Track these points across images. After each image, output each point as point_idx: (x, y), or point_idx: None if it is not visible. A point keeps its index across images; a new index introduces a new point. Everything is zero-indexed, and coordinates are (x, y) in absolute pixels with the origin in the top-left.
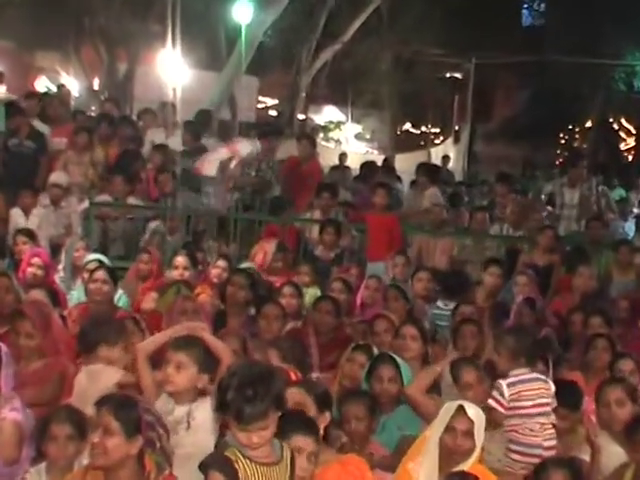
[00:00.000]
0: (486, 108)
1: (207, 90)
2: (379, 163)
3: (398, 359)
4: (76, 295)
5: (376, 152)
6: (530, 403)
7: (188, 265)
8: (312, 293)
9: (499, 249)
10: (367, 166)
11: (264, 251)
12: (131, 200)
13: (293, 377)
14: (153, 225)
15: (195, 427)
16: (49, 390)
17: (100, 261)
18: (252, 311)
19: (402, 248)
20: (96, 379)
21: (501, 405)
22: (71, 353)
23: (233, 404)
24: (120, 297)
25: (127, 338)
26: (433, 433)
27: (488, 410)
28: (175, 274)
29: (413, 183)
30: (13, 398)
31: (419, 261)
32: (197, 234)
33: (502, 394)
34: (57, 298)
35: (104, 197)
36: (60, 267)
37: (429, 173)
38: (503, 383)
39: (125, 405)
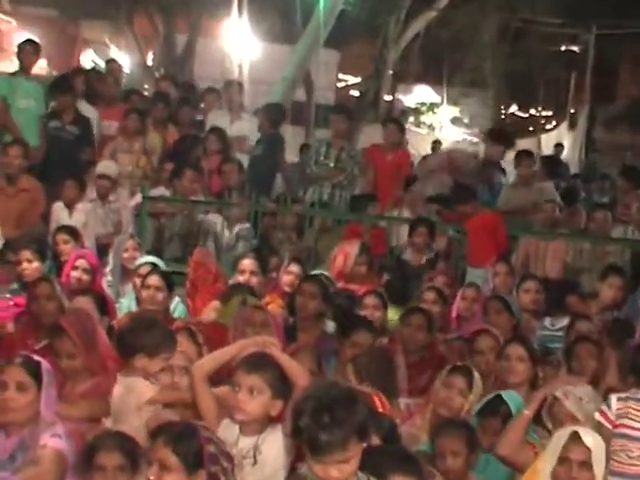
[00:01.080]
0: (608, 87)
1: (279, 66)
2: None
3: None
4: (126, 303)
5: (476, 139)
6: (637, 425)
7: (256, 270)
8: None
9: (622, 255)
10: None
11: (345, 254)
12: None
13: (378, 403)
14: (238, 228)
15: (263, 462)
16: (99, 409)
17: (154, 264)
18: (328, 325)
19: (506, 253)
20: (129, 394)
21: (607, 419)
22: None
23: (307, 431)
24: (177, 306)
25: (172, 350)
26: (545, 466)
27: (597, 427)
28: (241, 280)
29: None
30: (55, 423)
31: (526, 268)
32: (266, 234)
33: (609, 406)
34: (105, 306)
35: (159, 190)
36: (107, 270)
37: (545, 164)
38: (613, 396)
39: (184, 435)
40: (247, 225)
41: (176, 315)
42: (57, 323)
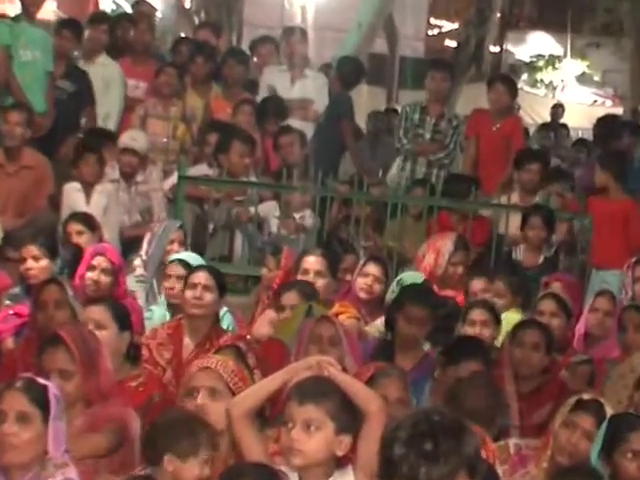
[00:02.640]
0: None
1: (352, 10)
2: (619, 118)
3: None
4: (159, 312)
5: (610, 102)
6: None
7: (324, 270)
8: (510, 318)
9: None
10: (602, 124)
11: (436, 251)
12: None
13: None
14: (298, 217)
15: None
16: (98, 445)
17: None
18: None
19: None
20: None
21: None
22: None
23: (403, 463)
24: (223, 316)
25: (213, 446)
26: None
27: None
28: None
29: None
30: (66, 465)
31: None
32: (336, 225)
33: None
34: (127, 318)
35: (201, 169)
36: (137, 262)
37: None
38: None
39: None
40: (309, 213)
41: (224, 326)
42: (53, 332)
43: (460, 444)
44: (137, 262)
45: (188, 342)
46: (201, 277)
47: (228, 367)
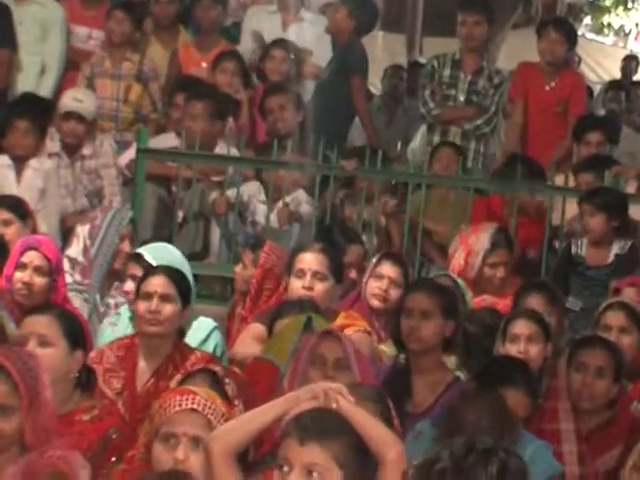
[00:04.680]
0: None
1: None
2: None
3: None
4: (117, 327)
5: None
6: None
7: (324, 271)
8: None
9: None
10: None
11: (467, 248)
12: (218, 147)
13: None
14: (290, 199)
15: None
16: None
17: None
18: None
19: None
20: None
21: None
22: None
23: None
24: (211, 334)
25: None
26: None
27: None
28: (299, 287)
29: None
30: None
31: None
32: (340, 212)
33: None
34: (79, 333)
35: (166, 139)
36: (69, 266)
37: None
38: None
39: None
40: (305, 197)
41: (209, 349)
42: None
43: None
44: (69, 266)
45: (144, 367)
46: (157, 284)
47: (218, 410)
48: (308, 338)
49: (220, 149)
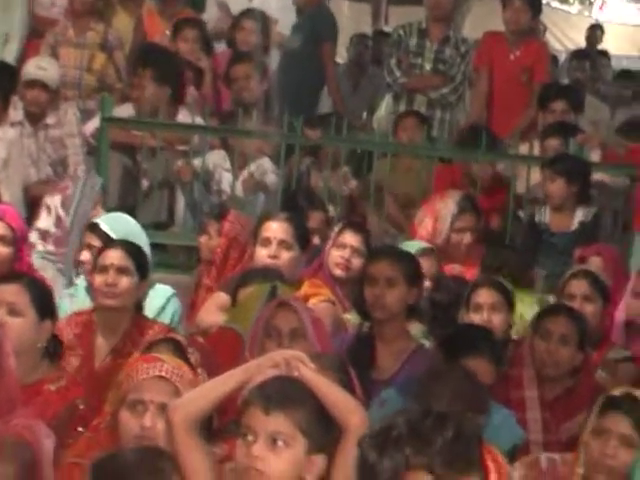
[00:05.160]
0: None
1: None
2: None
3: None
4: (77, 298)
5: None
6: None
7: (289, 239)
8: (530, 304)
9: None
10: None
11: (434, 215)
12: (181, 115)
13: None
14: (254, 168)
15: None
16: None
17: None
18: (415, 331)
19: None
20: None
21: None
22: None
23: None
24: (168, 302)
25: None
26: None
27: None
28: (262, 256)
29: None
30: None
31: None
32: (305, 181)
33: None
34: (48, 302)
35: (130, 108)
36: (36, 235)
37: None
38: None
39: None
40: (271, 167)
41: (166, 317)
42: None
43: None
44: (33, 236)
45: (101, 344)
46: (114, 257)
47: (185, 377)
48: (265, 309)
49: (183, 117)
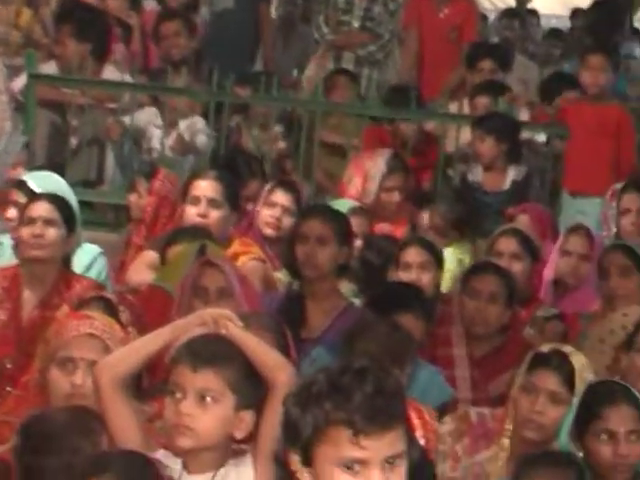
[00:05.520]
0: None
1: None
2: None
3: None
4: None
5: None
6: None
7: (218, 197)
8: (457, 260)
9: None
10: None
11: (363, 174)
12: (109, 72)
13: (414, 417)
14: (184, 126)
15: None
16: None
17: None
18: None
19: (633, 171)
20: None
21: None
22: None
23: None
24: (95, 260)
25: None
26: None
27: None
28: (193, 214)
29: None
30: None
31: None
32: (236, 140)
33: None
34: None
35: (51, 66)
36: None
37: None
38: None
39: (139, 478)
40: (202, 127)
41: (93, 274)
42: None
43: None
44: None
45: (29, 297)
46: (41, 209)
47: (115, 335)
48: (192, 269)
49: (109, 74)
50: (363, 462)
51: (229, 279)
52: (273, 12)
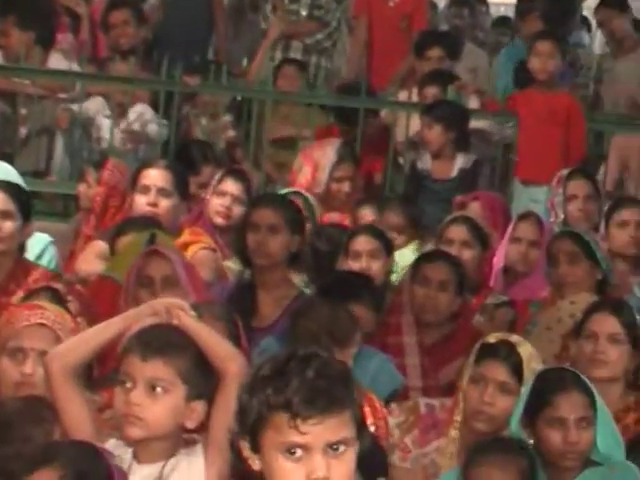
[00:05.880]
0: None
1: None
2: None
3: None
4: None
5: None
6: None
7: (168, 186)
8: (408, 251)
9: None
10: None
11: (313, 164)
12: (55, 60)
13: (365, 407)
14: (134, 116)
15: None
16: None
17: None
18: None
19: (583, 158)
20: None
21: None
22: None
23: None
24: (45, 249)
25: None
26: None
27: None
28: (141, 203)
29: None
30: None
31: (622, 187)
32: (186, 129)
33: None
34: None
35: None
36: None
37: None
38: None
39: (87, 467)
40: (150, 113)
41: (44, 263)
42: None
43: (341, 372)
44: None
45: None
46: None
47: (66, 325)
48: (137, 258)
49: (56, 62)
50: (305, 447)
51: (175, 268)
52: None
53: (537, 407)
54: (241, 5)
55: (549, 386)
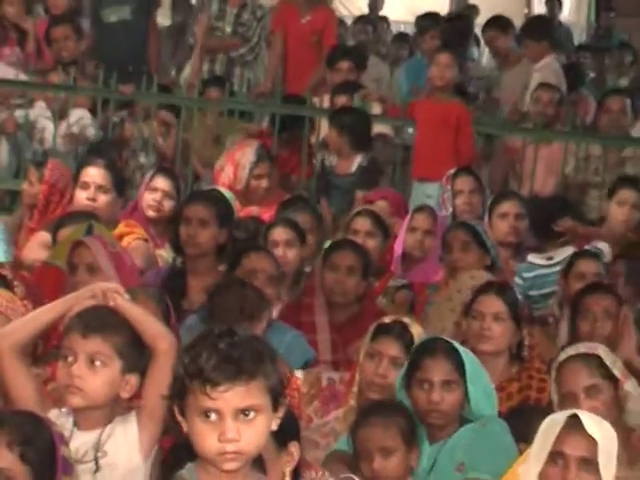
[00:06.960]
0: None
1: None
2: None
3: (465, 352)
4: None
5: None
6: None
7: (106, 184)
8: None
9: None
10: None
11: (234, 163)
12: (3, 72)
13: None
14: (79, 113)
15: (108, 468)
16: None
17: None
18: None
19: (471, 159)
20: None
21: None
22: None
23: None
24: None
25: None
26: (531, 466)
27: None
28: (81, 198)
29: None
30: None
31: (504, 182)
32: (121, 133)
33: None
34: None
35: None
36: None
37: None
38: None
39: (32, 433)
40: (88, 118)
41: None
42: None
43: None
44: None
45: None
46: None
47: (18, 310)
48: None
49: (5, 73)
50: (217, 412)
51: (96, 254)
52: (165, 21)
53: (410, 371)
54: (182, 26)
55: (421, 351)
